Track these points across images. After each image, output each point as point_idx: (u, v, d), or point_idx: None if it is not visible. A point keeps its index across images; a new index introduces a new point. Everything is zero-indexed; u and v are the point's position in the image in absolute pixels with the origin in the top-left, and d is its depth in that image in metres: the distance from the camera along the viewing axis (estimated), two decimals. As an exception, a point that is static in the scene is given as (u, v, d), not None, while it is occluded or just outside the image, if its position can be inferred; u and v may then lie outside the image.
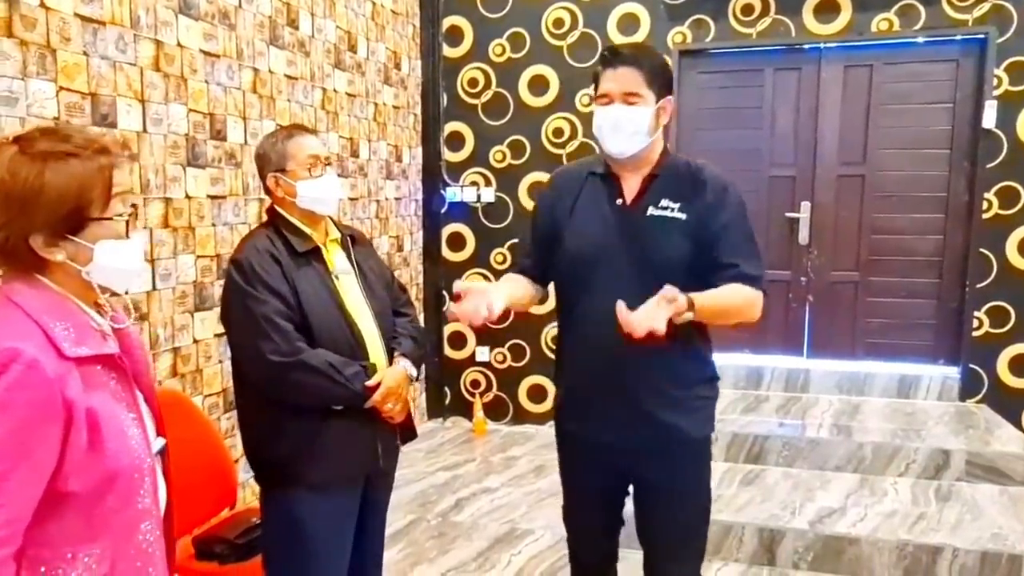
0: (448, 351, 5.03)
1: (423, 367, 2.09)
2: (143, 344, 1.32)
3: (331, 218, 1.98)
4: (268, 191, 1.91)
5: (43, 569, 1.08)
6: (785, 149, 4.40)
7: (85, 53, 2.30)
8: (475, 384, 4.99)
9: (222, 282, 2.67)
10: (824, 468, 3.55)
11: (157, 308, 2.62)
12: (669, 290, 1.55)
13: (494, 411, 4.96)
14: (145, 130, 2.54)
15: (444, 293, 4.98)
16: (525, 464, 4.28)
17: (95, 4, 2.33)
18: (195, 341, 2.79)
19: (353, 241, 2.00)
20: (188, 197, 2.75)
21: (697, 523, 1.91)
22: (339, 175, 2.00)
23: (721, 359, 4.12)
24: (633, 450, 1.84)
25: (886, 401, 4.15)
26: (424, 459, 4.36)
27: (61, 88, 2.22)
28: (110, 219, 1.12)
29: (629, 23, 4.48)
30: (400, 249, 4.60)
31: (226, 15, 2.94)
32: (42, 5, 2.15)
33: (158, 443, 1.27)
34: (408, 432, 2.06)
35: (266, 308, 1.74)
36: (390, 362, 1.94)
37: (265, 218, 1.95)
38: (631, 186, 1.81)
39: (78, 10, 2.27)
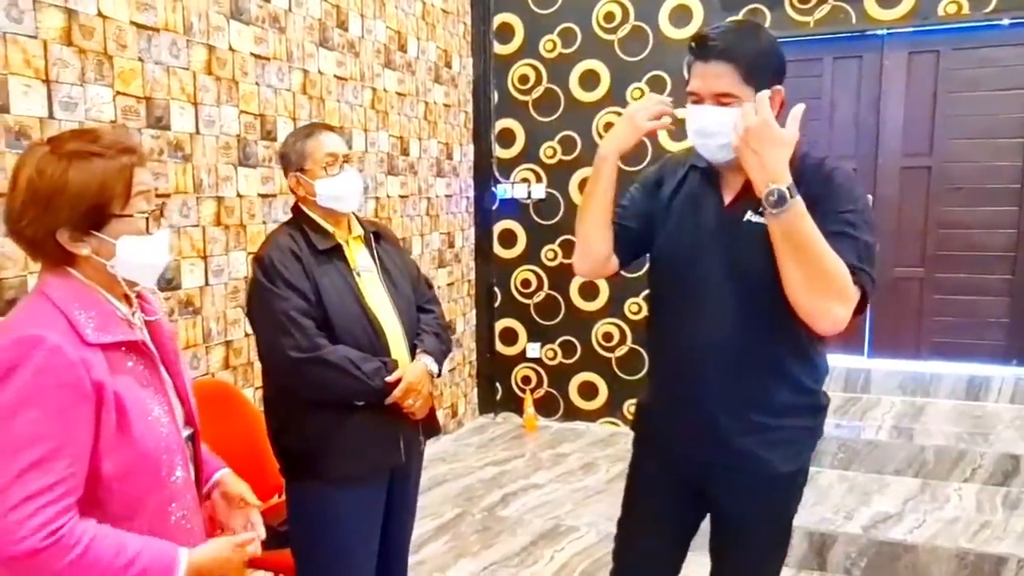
0: (499, 346, 5.05)
1: (445, 364, 2.07)
2: (174, 336, 1.37)
3: (355, 215, 2.01)
4: (291, 189, 1.95)
5: None
6: (845, 140, 4.25)
7: (140, 59, 2.41)
8: (526, 380, 5.00)
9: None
10: (882, 472, 3.42)
11: (210, 303, 2.72)
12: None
13: (545, 407, 4.96)
14: (198, 132, 2.64)
15: (495, 289, 5.01)
16: (574, 461, 4.27)
17: (150, 12, 2.43)
18: (246, 335, 2.88)
19: (377, 237, 2.03)
20: (239, 196, 2.84)
21: (773, 562, 1.73)
22: (360, 171, 2.01)
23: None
24: (705, 474, 1.66)
25: (953, 403, 3.95)
26: (474, 454, 4.40)
27: (118, 93, 2.33)
28: (131, 216, 1.17)
29: (681, 15, 4.40)
30: (451, 246, 4.65)
31: (276, 19, 3.03)
32: (99, 14, 2.26)
33: (186, 431, 1.32)
34: (431, 428, 2.08)
35: (286, 305, 1.78)
36: (413, 358, 1.95)
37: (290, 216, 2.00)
38: (732, 186, 1.58)
39: (133, 18, 2.38)
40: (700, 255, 1.57)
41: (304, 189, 1.91)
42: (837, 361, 4.24)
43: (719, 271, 1.54)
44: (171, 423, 1.25)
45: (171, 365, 1.31)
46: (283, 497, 2.54)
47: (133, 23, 2.38)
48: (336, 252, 1.90)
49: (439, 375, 2.01)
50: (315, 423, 1.85)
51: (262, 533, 1.40)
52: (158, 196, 1.27)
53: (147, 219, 1.19)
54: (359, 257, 1.97)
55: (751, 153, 1.40)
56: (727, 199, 1.59)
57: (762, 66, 1.46)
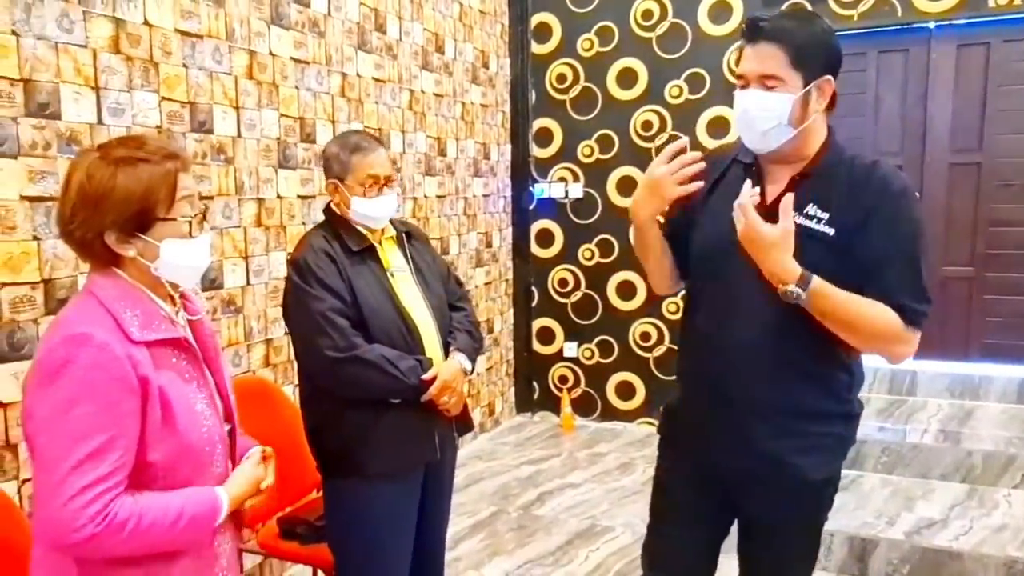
0: (537, 346, 5.06)
1: (477, 361, 2.09)
2: (215, 334, 1.42)
3: None
4: (328, 192, 1.99)
5: None
6: (891, 137, 4.14)
7: (184, 65, 2.48)
8: (563, 379, 5.00)
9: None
10: (927, 476, 3.33)
11: (251, 302, 2.79)
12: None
13: (582, 407, 4.95)
14: (239, 135, 2.71)
15: (533, 289, 5.02)
16: (611, 461, 4.26)
17: (193, 19, 2.51)
18: (286, 333, 2.94)
19: (409, 237, 2.06)
20: (279, 197, 2.91)
21: (802, 570, 1.69)
22: (399, 189, 2.01)
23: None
24: (735, 479, 1.63)
25: (1003, 407, 3.82)
26: (511, 452, 4.42)
27: (163, 98, 2.41)
28: (175, 220, 1.22)
29: (720, 11, 4.35)
30: (488, 245, 4.67)
31: (316, 23, 3.08)
32: (146, 22, 2.34)
33: (225, 427, 1.36)
34: (464, 425, 2.10)
35: (322, 305, 1.81)
36: (446, 356, 1.98)
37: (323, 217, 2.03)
38: (776, 182, 1.51)
39: (178, 26, 2.45)
40: (736, 254, 1.49)
41: (340, 199, 1.95)
42: (882, 362, 4.12)
43: (755, 271, 1.46)
44: (213, 416, 1.30)
45: (212, 362, 1.36)
46: (320, 493, 2.60)
47: (178, 31, 2.45)
48: (370, 253, 1.94)
49: (472, 372, 2.03)
50: (352, 421, 1.88)
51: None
52: (201, 199, 1.32)
53: (190, 223, 1.24)
54: (392, 257, 2.00)
55: (752, 256, 1.41)
56: (770, 196, 1.51)
57: (813, 53, 1.42)
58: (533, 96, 4.89)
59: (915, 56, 4.05)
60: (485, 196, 4.61)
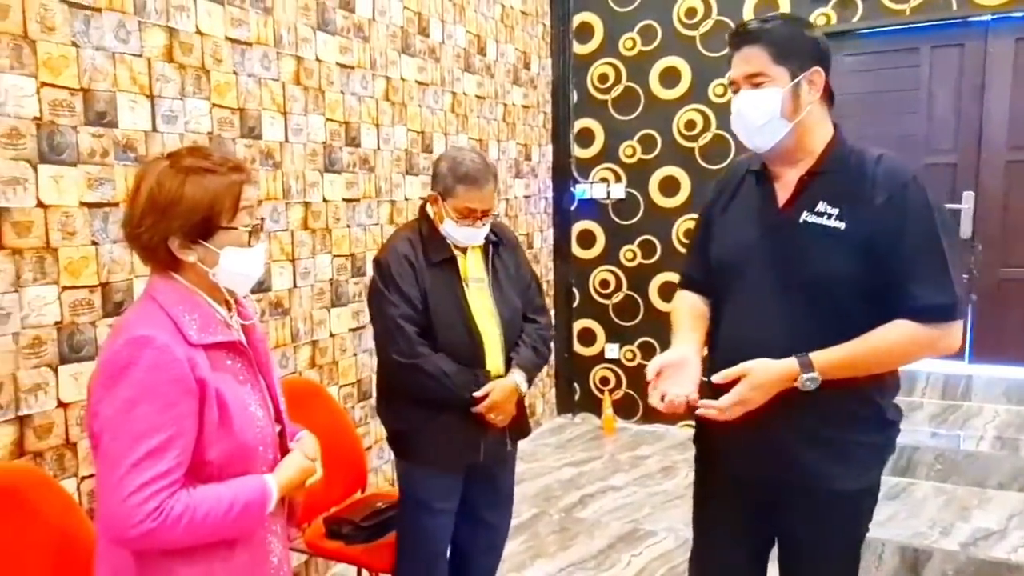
0: (577, 347, 5.04)
1: (537, 376, 2.18)
2: (265, 339, 1.45)
3: None
4: (428, 199, 2.06)
5: None
6: (945, 134, 4.02)
7: (234, 72, 2.53)
8: (604, 381, 4.97)
9: (356, 280, 2.89)
10: (984, 485, 3.23)
11: (297, 304, 2.84)
12: (755, 375, 1.43)
13: (624, 409, 4.92)
14: (287, 140, 2.76)
15: (574, 290, 5.00)
16: (653, 464, 4.22)
17: (243, 27, 2.56)
18: (332, 335, 2.99)
19: (496, 246, 2.10)
20: (325, 201, 2.95)
21: None
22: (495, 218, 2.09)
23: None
24: (768, 492, 1.59)
25: (1065, 414, 3.69)
26: (552, 454, 4.41)
27: (214, 105, 2.46)
28: (235, 229, 1.25)
29: (767, 7, 4.27)
30: (530, 247, 4.67)
31: (360, 28, 3.12)
32: (197, 31, 2.39)
33: (277, 427, 1.39)
34: (519, 431, 2.19)
35: (395, 311, 1.94)
36: (508, 366, 2.06)
37: (416, 214, 2.15)
38: (786, 185, 1.53)
39: (228, 34, 2.50)
40: (752, 259, 1.54)
41: (435, 211, 2.04)
42: (935, 366, 4.02)
43: (773, 275, 1.50)
44: (266, 417, 1.33)
45: (263, 366, 1.39)
46: (364, 493, 2.64)
47: (228, 38, 2.50)
48: (449, 263, 2.02)
49: (528, 387, 2.12)
50: (411, 413, 2.04)
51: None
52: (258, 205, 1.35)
53: (249, 233, 1.27)
54: (472, 267, 2.07)
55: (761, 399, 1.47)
56: (781, 200, 1.54)
57: (794, 47, 1.47)
58: (575, 96, 4.87)
59: (971, 50, 3.92)
60: (526, 197, 4.61)
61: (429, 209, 2.07)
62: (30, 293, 1.94)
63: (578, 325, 5.04)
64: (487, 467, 2.13)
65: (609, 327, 4.93)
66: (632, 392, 4.89)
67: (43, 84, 1.95)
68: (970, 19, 3.88)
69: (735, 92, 1.52)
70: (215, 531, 1.22)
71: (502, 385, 2.01)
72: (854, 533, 1.61)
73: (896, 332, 1.42)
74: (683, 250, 4.63)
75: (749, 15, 4.32)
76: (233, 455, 1.25)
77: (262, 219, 1.34)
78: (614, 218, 4.83)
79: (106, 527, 1.20)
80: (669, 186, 4.65)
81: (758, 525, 1.68)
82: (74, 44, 2.03)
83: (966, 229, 3.95)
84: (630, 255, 4.81)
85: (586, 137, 4.87)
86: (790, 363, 1.43)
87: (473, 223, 1.99)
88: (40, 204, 1.95)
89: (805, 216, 1.47)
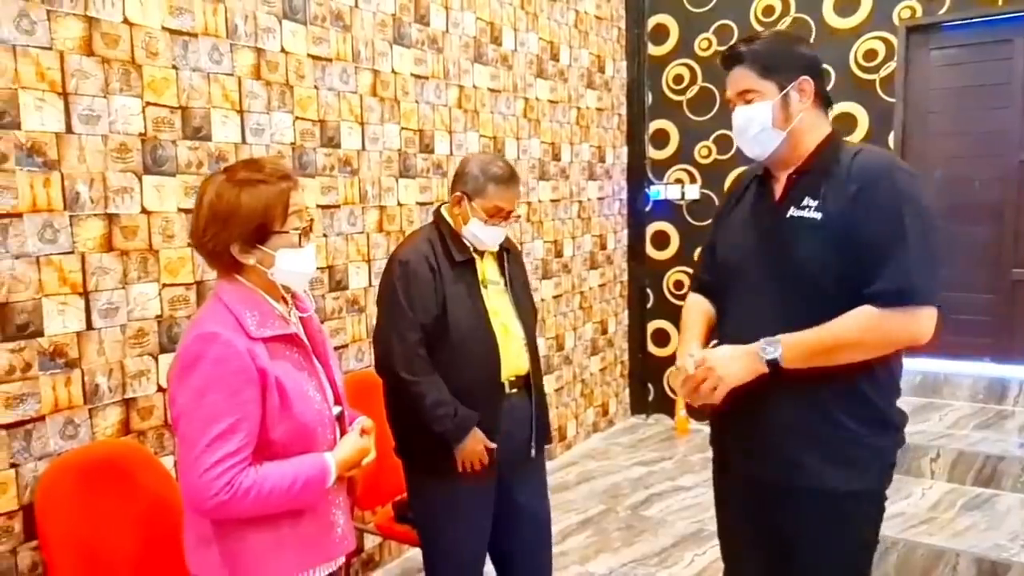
0: (652, 348, 5.06)
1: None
2: (323, 329, 1.60)
3: None
4: (452, 201, 2.10)
5: None
6: (1040, 129, 3.82)
7: (316, 87, 2.73)
8: (678, 382, 4.95)
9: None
10: (1076, 499, 3.06)
11: (373, 302, 3.01)
12: (710, 356, 1.52)
13: (697, 410, 4.88)
14: (364, 148, 2.94)
15: (648, 291, 5.02)
16: (725, 466, 4.19)
17: (324, 44, 2.76)
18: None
19: (507, 253, 2.19)
20: (400, 204, 3.12)
21: None
22: (516, 221, 2.16)
23: (955, 367, 3.78)
24: (771, 492, 1.61)
25: None
26: (623, 453, 4.45)
27: (297, 118, 2.67)
28: (287, 232, 1.40)
29: (847, 4, 4.17)
30: (603, 248, 4.73)
31: (435, 40, 3.28)
32: (282, 50, 2.60)
33: (335, 409, 1.54)
34: (541, 437, 2.20)
35: (403, 322, 1.97)
36: (532, 364, 2.12)
37: (433, 218, 2.17)
38: (781, 183, 1.62)
39: (310, 51, 2.71)
40: (750, 258, 1.62)
41: (461, 212, 2.07)
42: (1017, 372, 3.82)
43: (767, 271, 1.58)
44: (323, 401, 1.48)
45: (321, 355, 1.54)
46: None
47: (310, 55, 2.70)
48: (468, 265, 2.07)
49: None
50: (422, 427, 2.02)
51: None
52: (325, 208, 1.49)
53: (299, 234, 1.41)
54: (489, 270, 2.13)
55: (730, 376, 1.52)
56: (777, 195, 1.62)
57: (778, 61, 1.56)
58: (649, 98, 4.89)
59: (1071, 41, 3.71)
60: (600, 199, 4.68)
61: (444, 213, 2.11)
62: (135, 290, 2.18)
63: (652, 326, 5.05)
64: (525, 468, 2.15)
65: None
66: (706, 394, 4.86)
67: (148, 103, 2.19)
68: (1071, 7, 3.68)
69: (732, 109, 1.63)
70: (280, 503, 1.37)
71: (477, 437, 2.01)
72: (849, 536, 1.58)
73: (856, 317, 1.45)
74: (759, 251, 4.58)
75: (828, 12, 4.23)
76: (294, 435, 1.40)
77: (311, 221, 1.48)
78: (689, 219, 4.82)
79: (187, 499, 1.37)
80: (745, 186, 4.60)
81: (770, 531, 1.66)
82: (174, 67, 2.26)
83: (1065, 229, 3.74)
84: (705, 256, 4.78)
85: (661, 138, 4.88)
86: (750, 346, 1.51)
87: (500, 223, 2.05)
88: (144, 211, 2.20)
89: (792, 211, 1.55)
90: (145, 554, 1.94)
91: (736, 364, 1.52)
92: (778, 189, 1.63)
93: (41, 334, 1.96)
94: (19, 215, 1.91)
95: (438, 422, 1.98)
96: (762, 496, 1.64)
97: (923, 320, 1.45)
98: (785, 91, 1.55)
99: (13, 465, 1.90)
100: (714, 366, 1.52)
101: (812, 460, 1.54)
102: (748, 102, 1.57)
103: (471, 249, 2.08)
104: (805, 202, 1.53)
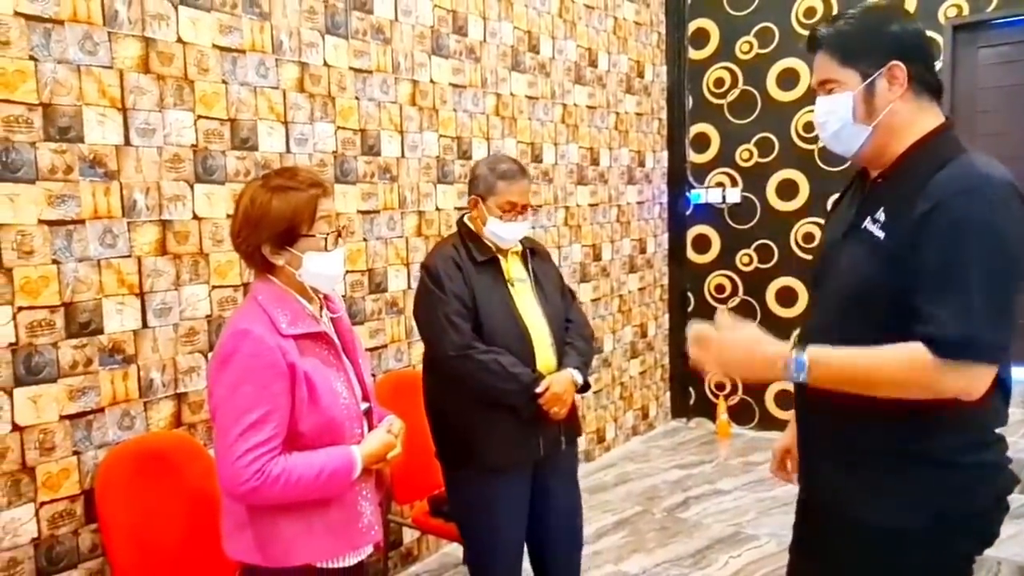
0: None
1: (589, 371, 2.24)
2: (353, 330, 1.70)
3: None
4: (469, 206, 2.22)
5: None
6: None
7: (356, 98, 2.85)
8: (720, 386, 4.95)
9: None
10: None
11: (411, 304, 3.12)
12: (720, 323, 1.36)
13: (739, 414, 4.87)
14: (403, 155, 3.06)
15: (688, 294, 5.02)
16: (765, 470, 4.12)
17: (364, 57, 2.88)
18: (443, 333, 3.25)
19: (533, 253, 2.26)
20: (438, 210, 3.23)
21: None
22: (534, 215, 2.21)
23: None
24: (808, 503, 1.53)
25: None
26: (662, 456, 4.47)
27: (338, 128, 2.79)
28: (314, 236, 1.50)
29: (890, 4, 4.10)
30: (643, 252, 4.75)
31: (472, 50, 3.38)
32: (325, 64, 2.73)
33: (363, 406, 1.63)
34: (572, 431, 2.26)
35: (448, 308, 2.06)
36: (559, 363, 2.16)
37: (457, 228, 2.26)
38: (867, 189, 1.47)
39: (352, 64, 2.83)
40: (827, 264, 1.49)
41: (478, 214, 2.18)
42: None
43: (832, 282, 1.45)
44: (351, 397, 1.57)
45: (351, 352, 1.64)
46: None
47: (351, 68, 2.83)
48: (493, 263, 2.16)
49: (583, 385, 2.20)
50: (467, 418, 2.11)
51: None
52: (365, 214, 1.58)
53: (326, 239, 1.51)
54: (514, 269, 2.21)
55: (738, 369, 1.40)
56: (860, 204, 1.46)
57: (863, 46, 1.37)
58: (690, 102, 4.90)
59: None
60: (639, 203, 4.70)
61: (466, 220, 2.21)
62: (187, 291, 2.32)
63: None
64: (550, 464, 2.19)
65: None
66: (748, 398, 4.84)
67: (199, 117, 2.34)
68: None
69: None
70: (307, 491, 1.46)
71: (560, 378, 2.10)
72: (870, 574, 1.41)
73: (903, 355, 1.24)
74: (801, 254, 4.54)
75: (872, 11, 4.17)
76: (322, 428, 1.49)
77: (341, 227, 1.58)
78: (730, 222, 4.81)
79: (221, 484, 1.47)
80: (787, 189, 4.57)
81: (799, 548, 1.60)
82: (223, 82, 2.41)
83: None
84: (746, 259, 4.77)
85: (701, 142, 4.89)
86: (779, 345, 1.35)
87: (515, 217, 2.12)
88: (195, 217, 2.34)
89: (866, 223, 1.38)
90: (192, 538, 2.08)
91: (744, 360, 1.37)
92: (865, 192, 1.47)
93: (101, 332, 2.12)
94: (82, 222, 2.07)
95: (513, 380, 2.03)
96: (805, 516, 1.58)
97: (979, 379, 1.24)
98: (870, 80, 1.36)
99: (76, 453, 2.06)
100: (715, 354, 1.39)
101: (841, 483, 1.41)
102: (828, 92, 1.40)
103: (494, 249, 2.16)
104: (878, 215, 1.36)
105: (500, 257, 2.18)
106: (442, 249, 2.19)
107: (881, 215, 1.35)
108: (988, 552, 2.82)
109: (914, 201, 1.28)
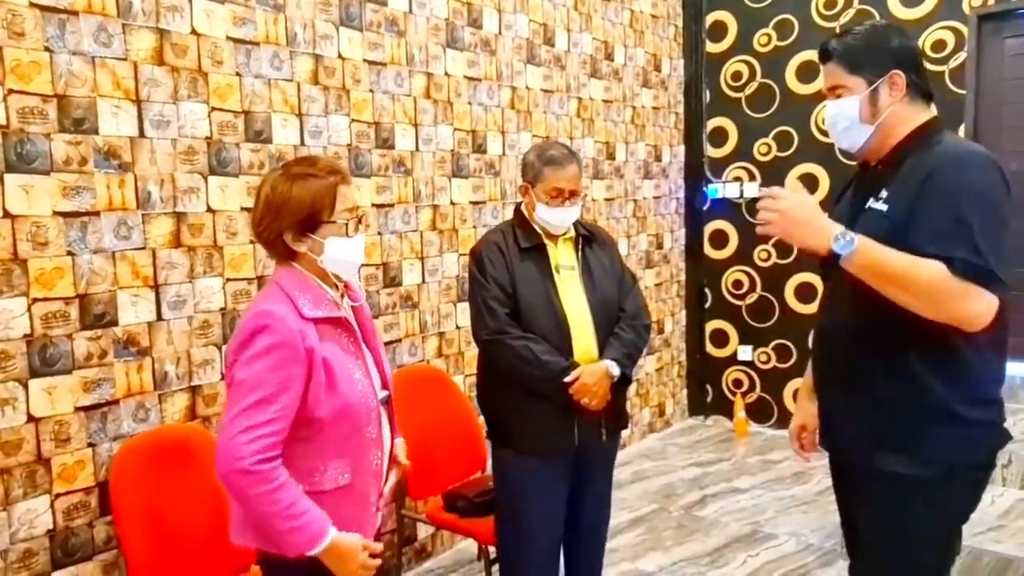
0: (710, 348, 5.00)
1: (644, 361, 2.23)
2: (371, 318, 1.69)
3: None
4: (520, 192, 2.23)
5: (316, 477, 1.48)
6: None
7: (371, 90, 2.84)
8: (737, 383, 4.89)
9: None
10: None
11: (426, 298, 3.11)
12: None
13: (757, 412, 4.82)
14: (417, 149, 3.04)
15: (706, 290, 4.97)
16: (784, 469, 4.12)
17: (379, 50, 2.86)
18: (457, 327, 3.24)
19: (589, 240, 2.24)
20: (452, 203, 3.20)
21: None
22: (584, 199, 2.21)
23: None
24: (837, 465, 1.75)
25: None
26: (679, 453, 4.42)
27: (352, 120, 2.78)
28: (335, 222, 1.49)
29: (913, -7, 4.04)
30: (659, 247, 4.71)
31: (487, 43, 3.35)
32: (339, 56, 2.72)
33: (382, 394, 1.61)
34: (615, 422, 2.23)
35: (487, 294, 2.09)
36: (601, 352, 2.12)
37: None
38: (869, 174, 1.67)
39: (366, 56, 2.81)
40: None
41: (528, 201, 2.19)
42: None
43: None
44: (368, 385, 1.55)
45: (369, 341, 1.63)
46: (484, 472, 2.85)
47: (366, 60, 2.81)
48: (538, 250, 2.15)
49: (623, 377, 2.14)
50: (506, 399, 2.14)
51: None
52: (379, 208, 1.56)
53: (347, 224, 1.50)
54: (562, 255, 2.19)
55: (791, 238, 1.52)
56: (863, 190, 1.66)
57: (868, 57, 1.58)
58: (707, 96, 4.85)
59: None
60: (656, 198, 4.66)
61: (522, 207, 2.23)
62: (201, 284, 2.32)
63: (710, 326, 4.99)
64: (586, 455, 2.17)
65: (743, 329, 4.85)
66: (766, 396, 4.78)
67: (213, 109, 2.34)
68: None
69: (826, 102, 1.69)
70: (269, 514, 1.38)
71: (592, 369, 2.07)
72: (901, 521, 1.56)
73: (930, 266, 1.41)
74: (821, 250, 4.47)
75: (894, 3, 4.11)
76: (339, 414, 1.47)
77: (362, 214, 1.56)
78: (747, 217, 4.75)
79: (216, 460, 1.39)
80: (807, 183, 4.50)
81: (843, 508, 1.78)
82: (237, 74, 2.40)
83: None
84: (764, 255, 4.71)
85: (719, 136, 4.83)
86: (830, 222, 1.49)
87: (563, 203, 2.11)
88: (209, 209, 2.34)
89: (870, 203, 1.57)
90: (205, 530, 2.07)
91: (810, 221, 1.48)
92: (866, 179, 1.68)
93: (116, 324, 2.12)
94: (97, 213, 2.07)
95: (543, 367, 2.03)
96: (838, 476, 1.76)
97: (985, 304, 1.40)
98: (874, 86, 1.57)
99: (91, 444, 2.06)
100: (785, 209, 1.49)
101: (864, 439, 1.59)
102: (838, 97, 1.61)
103: (542, 235, 2.17)
104: (880, 194, 1.55)
105: (549, 243, 2.18)
106: (490, 235, 2.22)
107: (883, 193, 1.54)
108: (1016, 553, 2.78)
109: (912, 174, 1.50)
